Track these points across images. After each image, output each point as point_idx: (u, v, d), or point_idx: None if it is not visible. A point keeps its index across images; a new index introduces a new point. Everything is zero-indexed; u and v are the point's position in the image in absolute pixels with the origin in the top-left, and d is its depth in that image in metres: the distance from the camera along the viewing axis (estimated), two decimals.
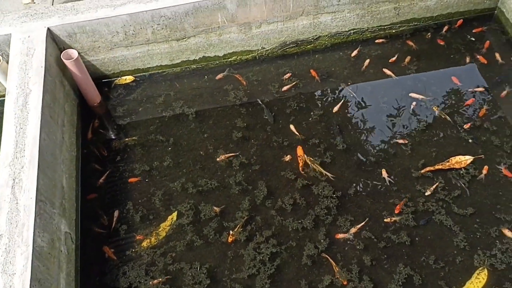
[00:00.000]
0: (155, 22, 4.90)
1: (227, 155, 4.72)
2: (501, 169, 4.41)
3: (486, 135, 4.68)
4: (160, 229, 4.40)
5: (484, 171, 4.43)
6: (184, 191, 4.60)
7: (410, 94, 5.04)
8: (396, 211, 4.26)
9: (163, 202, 4.55)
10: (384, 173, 4.49)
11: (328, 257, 4.07)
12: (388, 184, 4.45)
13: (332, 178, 4.50)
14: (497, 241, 4.08)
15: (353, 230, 4.19)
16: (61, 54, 4.79)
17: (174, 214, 4.48)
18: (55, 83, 4.62)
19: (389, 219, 4.24)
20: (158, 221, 4.46)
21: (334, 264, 4.03)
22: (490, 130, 4.70)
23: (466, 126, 4.74)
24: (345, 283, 3.93)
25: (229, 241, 4.23)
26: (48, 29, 4.76)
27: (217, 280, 4.09)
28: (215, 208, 4.42)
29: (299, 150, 4.68)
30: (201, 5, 4.83)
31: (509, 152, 4.54)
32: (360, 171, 4.60)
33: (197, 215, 4.44)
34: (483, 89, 5.01)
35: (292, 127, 4.85)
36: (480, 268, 3.99)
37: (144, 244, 4.32)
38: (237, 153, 4.74)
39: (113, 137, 5.07)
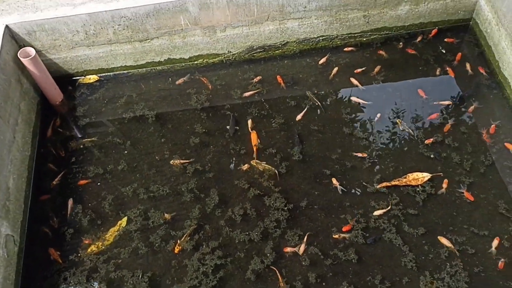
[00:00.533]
0: (116, 23, 4.81)
1: (181, 161, 4.63)
2: (462, 191, 4.26)
3: (447, 151, 4.54)
4: (108, 235, 4.34)
5: (445, 185, 4.30)
6: (135, 196, 4.53)
7: (351, 98, 4.98)
8: (345, 229, 4.14)
9: (113, 206, 4.48)
10: (335, 182, 4.39)
11: (276, 270, 3.98)
12: (340, 192, 4.35)
13: (277, 172, 4.48)
14: (446, 263, 3.96)
15: (302, 248, 4.07)
16: (18, 52, 4.72)
17: (124, 220, 4.41)
18: (10, 82, 4.56)
19: (337, 235, 4.13)
20: (106, 226, 4.39)
21: (281, 278, 3.93)
22: (452, 147, 4.56)
23: (428, 141, 4.60)
24: None
25: (175, 251, 4.15)
26: (7, 26, 4.69)
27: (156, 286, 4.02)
28: (165, 215, 4.34)
29: (253, 136, 4.64)
30: (162, 7, 4.72)
31: (469, 170, 4.40)
32: (316, 183, 4.49)
33: (145, 221, 4.37)
34: (450, 103, 4.86)
35: (253, 136, 4.72)
36: None
37: (90, 249, 4.26)
38: (191, 160, 4.65)
39: (72, 137, 4.99)
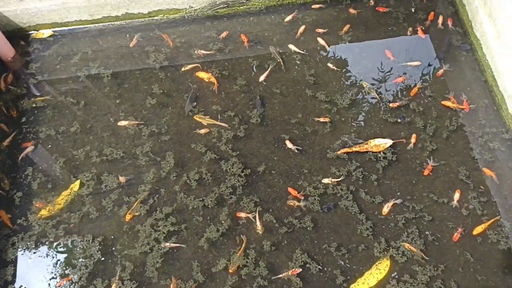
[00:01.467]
0: None
1: (131, 123, 4.44)
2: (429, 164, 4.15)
3: (411, 116, 4.38)
4: (59, 198, 4.19)
5: (413, 140, 4.23)
6: (88, 159, 4.35)
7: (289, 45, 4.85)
8: (295, 195, 4.03)
9: (65, 170, 4.31)
10: (289, 143, 4.26)
11: (244, 239, 3.89)
12: (296, 151, 4.23)
13: (226, 126, 4.39)
14: (404, 232, 3.89)
15: (259, 226, 3.97)
16: None
17: (76, 183, 4.25)
18: None
19: (292, 203, 4.02)
20: (58, 189, 4.23)
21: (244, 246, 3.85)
22: (417, 111, 4.41)
23: (392, 105, 4.44)
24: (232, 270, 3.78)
25: (127, 219, 4.03)
26: None
27: (108, 254, 3.92)
28: (120, 177, 4.19)
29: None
30: None
31: (431, 135, 4.27)
32: (275, 148, 4.34)
33: (98, 185, 4.22)
34: (419, 64, 4.66)
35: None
36: (381, 259, 3.82)
37: (41, 213, 4.12)
38: (142, 122, 4.46)
39: (23, 96, 4.75)
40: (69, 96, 4.70)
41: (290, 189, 4.06)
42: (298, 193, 4.04)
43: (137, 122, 4.46)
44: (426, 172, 4.10)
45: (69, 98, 4.68)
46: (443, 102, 4.42)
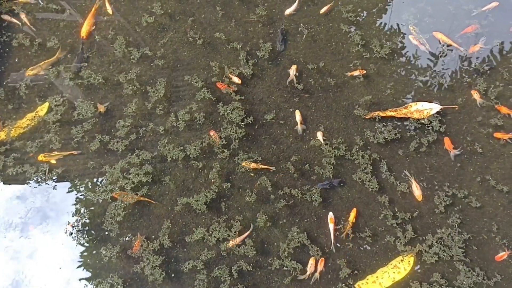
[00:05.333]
0: None
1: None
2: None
3: (473, 77, 3.36)
4: (22, 121, 3.45)
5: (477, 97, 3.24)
6: (61, 80, 3.57)
7: None
8: None
9: (32, 89, 3.55)
10: (298, 116, 3.33)
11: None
12: (301, 133, 3.31)
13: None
14: (441, 226, 2.96)
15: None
16: None
17: (45, 106, 3.50)
18: None
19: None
20: (22, 111, 3.50)
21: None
22: (481, 71, 3.37)
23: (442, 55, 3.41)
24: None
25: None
26: None
27: (65, 187, 3.24)
28: (99, 106, 3.43)
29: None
30: None
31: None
32: (292, 96, 3.43)
33: (69, 112, 3.45)
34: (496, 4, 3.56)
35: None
36: (403, 255, 2.94)
37: (0, 135, 3.42)
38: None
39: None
40: (51, 3, 3.89)
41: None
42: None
43: None
44: (498, 136, 3.13)
45: (52, 4, 3.86)
46: None
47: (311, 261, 2.90)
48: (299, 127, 3.28)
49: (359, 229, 3.00)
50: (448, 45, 3.43)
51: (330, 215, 3.02)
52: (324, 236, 3.01)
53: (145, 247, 2.98)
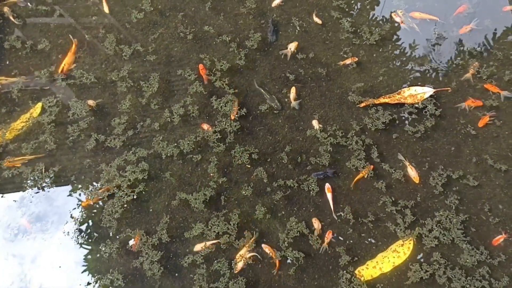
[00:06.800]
0: None
1: None
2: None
3: (465, 58, 3.35)
4: (16, 123, 3.45)
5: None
6: (52, 82, 3.56)
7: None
8: None
9: (26, 93, 3.55)
10: (293, 93, 3.31)
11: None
12: (298, 107, 3.32)
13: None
14: (440, 208, 2.95)
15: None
16: None
17: (38, 106, 3.49)
18: None
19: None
20: (17, 113, 3.49)
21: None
22: (474, 53, 3.36)
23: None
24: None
25: None
26: None
27: (62, 186, 3.24)
28: (89, 102, 3.41)
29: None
30: None
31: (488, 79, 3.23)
32: (285, 86, 3.42)
33: (63, 112, 3.44)
34: None
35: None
36: (403, 240, 2.93)
37: None
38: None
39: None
40: (42, 4, 3.88)
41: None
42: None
43: None
44: (481, 123, 3.10)
45: (42, 6, 3.85)
46: None
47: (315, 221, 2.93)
48: (294, 102, 3.28)
49: (358, 215, 2.99)
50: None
51: (327, 185, 3.03)
52: (324, 224, 3.00)
53: (144, 241, 2.97)
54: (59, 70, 3.53)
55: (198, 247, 2.97)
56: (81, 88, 3.52)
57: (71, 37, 3.62)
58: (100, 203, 3.13)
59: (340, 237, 2.96)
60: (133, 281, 2.95)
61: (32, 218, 3.15)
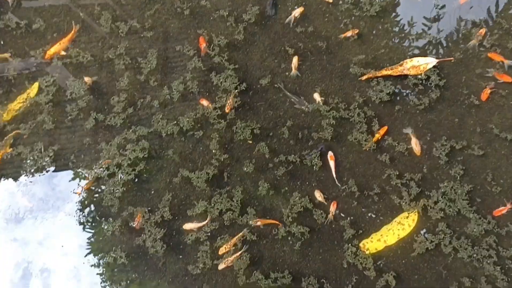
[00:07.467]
0: None
1: None
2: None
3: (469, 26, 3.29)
4: (13, 104, 3.40)
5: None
6: (47, 62, 3.49)
7: None
8: None
9: (22, 73, 3.49)
10: (295, 62, 3.27)
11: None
12: (295, 77, 3.27)
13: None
14: (444, 180, 2.93)
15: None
16: None
17: (35, 86, 3.43)
18: None
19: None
20: (13, 94, 3.43)
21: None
22: (477, 22, 3.30)
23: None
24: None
25: None
26: None
27: (62, 165, 3.20)
28: (85, 79, 3.36)
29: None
30: None
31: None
32: (285, 60, 3.36)
33: (60, 92, 3.39)
34: None
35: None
36: (407, 212, 2.91)
37: None
38: None
39: None
40: None
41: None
42: None
43: None
44: (484, 97, 3.06)
45: None
46: None
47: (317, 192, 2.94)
48: (294, 71, 3.25)
49: (362, 188, 2.97)
50: None
51: (330, 153, 3.02)
52: (327, 197, 2.98)
53: (147, 219, 2.95)
54: (48, 54, 3.45)
55: (187, 226, 2.93)
56: (78, 67, 3.46)
57: (73, 23, 3.54)
58: (101, 182, 3.10)
59: (344, 211, 2.94)
60: (136, 259, 2.94)
61: (33, 198, 3.12)
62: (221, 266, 2.83)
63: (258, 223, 2.89)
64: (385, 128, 3.03)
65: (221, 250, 2.87)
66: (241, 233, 2.90)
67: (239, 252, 2.85)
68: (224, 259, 2.84)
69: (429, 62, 3.14)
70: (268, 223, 2.92)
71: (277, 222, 2.92)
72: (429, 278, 2.78)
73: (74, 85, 3.38)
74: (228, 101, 3.16)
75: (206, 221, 2.94)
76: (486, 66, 3.17)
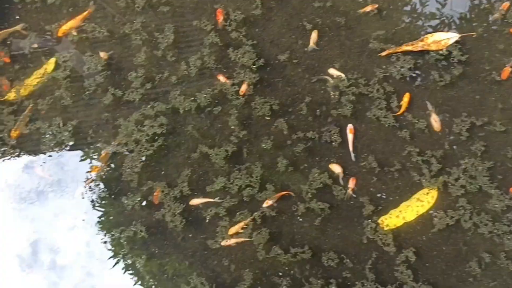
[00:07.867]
0: None
1: None
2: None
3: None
4: (30, 79, 3.40)
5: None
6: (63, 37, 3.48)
7: None
8: None
9: (39, 49, 3.48)
10: (314, 36, 3.26)
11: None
12: (311, 50, 3.26)
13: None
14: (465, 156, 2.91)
15: None
16: None
17: (52, 61, 3.42)
18: None
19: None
20: (30, 70, 3.43)
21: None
22: None
23: None
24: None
25: None
26: None
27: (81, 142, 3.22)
28: (101, 54, 3.35)
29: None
30: None
31: None
32: (303, 36, 3.32)
33: (78, 67, 3.39)
34: None
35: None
36: (427, 188, 2.89)
37: (8, 96, 3.37)
38: None
39: None
40: None
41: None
42: None
43: None
44: (504, 76, 3.01)
45: None
46: None
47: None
48: (311, 45, 3.23)
49: (381, 164, 2.95)
50: None
51: (350, 126, 3.01)
52: (347, 174, 2.97)
53: (166, 193, 2.96)
54: (63, 29, 3.43)
55: (194, 201, 2.94)
56: (94, 42, 3.44)
57: (91, 3, 3.52)
58: (119, 157, 3.11)
59: (363, 187, 2.93)
60: (155, 233, 2.96)
61: (52, 172, 3.14)
62: (223, 243, 2.85)
63: (270, 202, 2.89)
64: (408, 95, 3.00)
65: (231, 231, 2.88)
66: (250, 218, 2.90)
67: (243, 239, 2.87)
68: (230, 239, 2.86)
69: (451, 37, 3.10)
70: (279, 197, 2.92)
71: (288, 193, 2.92)
72: (449, 254, 2.78)
73: (91, 60, 3.37)
74: (244, 85, 3.13)
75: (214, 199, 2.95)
76: (509, 42, 3.12)
